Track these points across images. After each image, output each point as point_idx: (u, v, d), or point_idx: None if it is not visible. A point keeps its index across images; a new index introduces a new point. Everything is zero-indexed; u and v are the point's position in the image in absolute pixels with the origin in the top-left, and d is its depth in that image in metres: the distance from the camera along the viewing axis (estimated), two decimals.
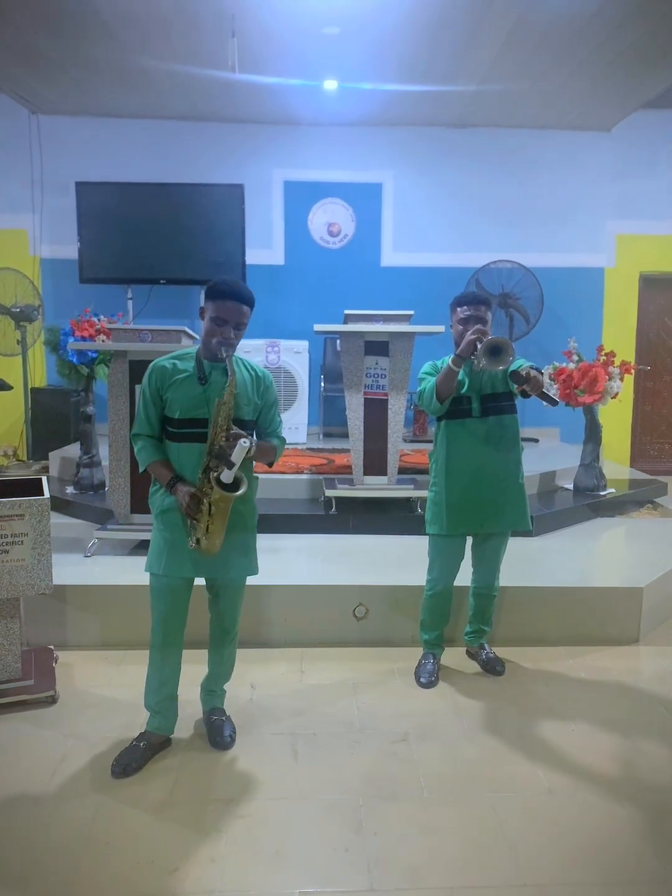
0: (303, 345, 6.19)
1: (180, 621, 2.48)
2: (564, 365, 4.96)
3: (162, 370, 2.39)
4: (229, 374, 2.30)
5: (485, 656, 3.13)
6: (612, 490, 5.06)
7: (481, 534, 3.03)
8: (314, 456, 5.48)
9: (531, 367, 2.70)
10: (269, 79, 5.57)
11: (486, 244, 6.85)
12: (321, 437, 6.47)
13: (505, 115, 6.49)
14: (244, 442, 2.20)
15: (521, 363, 2.77)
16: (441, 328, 4.14)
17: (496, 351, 2.62)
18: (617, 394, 4.86)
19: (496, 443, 2.88)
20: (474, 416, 2.87)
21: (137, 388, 3.53)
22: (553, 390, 4.85)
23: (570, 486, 5.11)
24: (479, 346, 2.66)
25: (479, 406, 2.88)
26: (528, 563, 3.85)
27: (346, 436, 4.50)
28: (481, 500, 2.90)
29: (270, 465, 2.57)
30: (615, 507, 4.99)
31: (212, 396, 2.34)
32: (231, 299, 2.32)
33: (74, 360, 4.91)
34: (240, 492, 2.26)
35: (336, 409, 6.41)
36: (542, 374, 2.70)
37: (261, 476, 4.76)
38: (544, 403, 2.67)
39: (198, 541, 2.31)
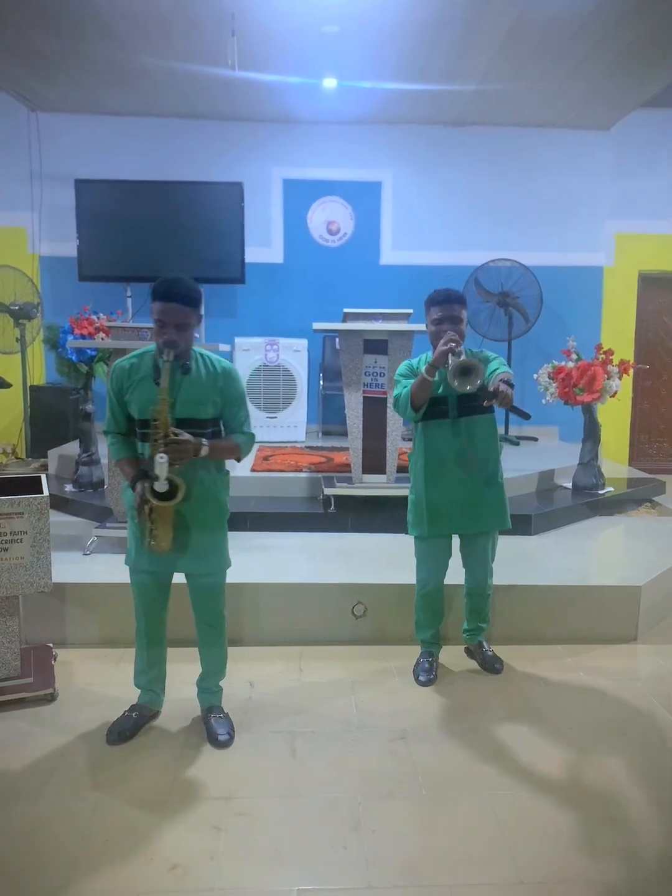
0: (302, 343, 6.20)
1: (158, 609, 2.59)
2: (563, 364, 4.96)
3: (121, 371, 2.44)
4: (163, 381, 2.30)
5: (483, 654, 3.12)
6: (611, 489, 5.07)
7: (465, 534, 3.02)
8: (313, 454, 5.48)
9: (503, 381, 2.64)
10: (268, 77, 5.56)
11: (485, 243, 6.85)
12: (320, 435, 6.48)
13: (504, 114, 6.48)
14: (160, 457, 2.25)
15: (497, 370, 2.76)
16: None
17: (465, 372, 2.59)
18: (616, 392, 4.87)
19: (473, 444, 2.88)
20: (451, 418, 2.86)
21: None
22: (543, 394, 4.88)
23: (569, 485, 5.11)
24: (451, 357, 2.65)
25: (456, 407, 2.85)
26: (527, 561, 3.86)
27: (344, 434, 4.50)
28: (460, 501, 2.90)
29: (238, 460, 2.57)
30: (614, 506, 5.00)
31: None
32: (167, 300, 2.30)
33: (73, 358, 4.90)
34: (174, 501, 2.31)
35: (335, 407, 6.41)
36: (512, 387, 2.64)
37: (259, 475, 4.80)
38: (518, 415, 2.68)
39: (149, 543, 2.39)
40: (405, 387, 2.87)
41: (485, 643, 3.16)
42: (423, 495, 2.93)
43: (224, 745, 2.52)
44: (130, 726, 2.57)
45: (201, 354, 2.47)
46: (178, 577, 2.58)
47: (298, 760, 2.45)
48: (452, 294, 2.84)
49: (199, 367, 2.42)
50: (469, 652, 3.21)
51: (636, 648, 3.37)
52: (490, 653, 3.13)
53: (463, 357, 2.64)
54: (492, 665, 3.08)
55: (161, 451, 2.26)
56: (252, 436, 2.54)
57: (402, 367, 2.97)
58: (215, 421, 2.48)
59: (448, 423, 2.86)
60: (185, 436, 2.31)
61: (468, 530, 2.97)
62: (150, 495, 2.30)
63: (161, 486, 2.28)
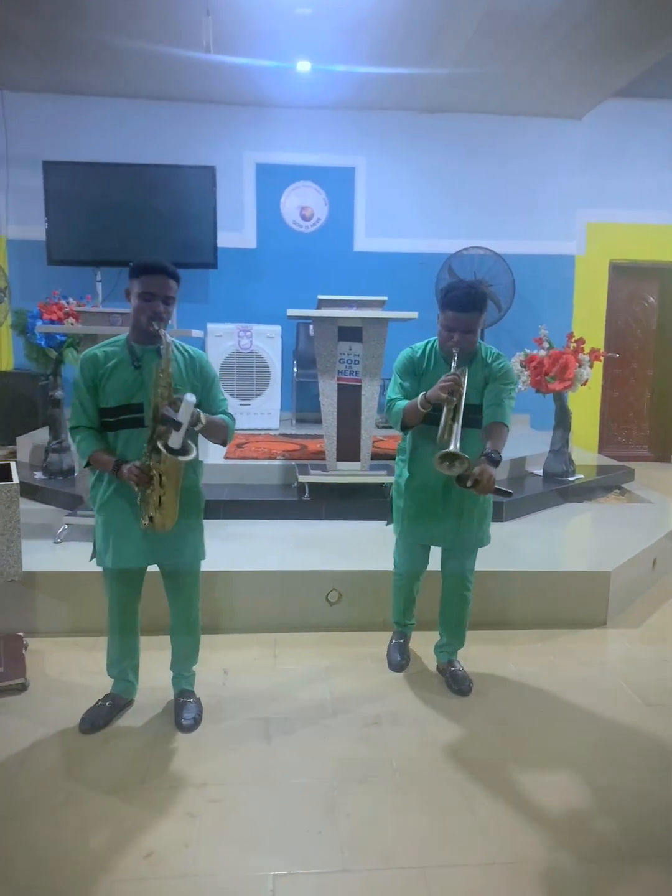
0: (275, 330, 6.16)
1: (133, 604, 2.59)
2: (535, 352, 5.00)
3: (94, 359, 2.37)
4: (163, 344, 2.28)
5: (453, 673, 2.89)
6: (581, 476, 5.13)
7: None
8: (287, 441, 5.47)
9: (489, 456, 2.48)
10: (241, 59, 5.49)
11: (458, 230, 6.86)
12: (294, 422, 6.46)
13: (477, 102, 6.48)
14: (190, 397, 2.17)
15: (500, 398, 2.62)
16: (415, 314, 4.15)
17: (450, 460, 2.41)
18: (586, 381, 4.93)
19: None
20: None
21: None
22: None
23: (540, 472, 5.17)
24: (451, 396, 2.49)
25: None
26: (498, 547, 3.88)
27: (319, 421, 4.49)
28: (441, 516, 2.74)
29: (224, 443, 2.53)
30: (583, 493, 5.07)
31: (147, 379, 2.33)
32: (157, 273, 2.31)
33: (43, 343, 4.82)
34: (190, 456, 2.23)
35: (309, 394, 6.39)
36: (497, 463, 2.48)
37: (233, 462, 4.78)
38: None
39: (151, 518, 2.30)
40: (400, 396, 2.68)
41: (457, 661, 2.95)
42: (404, 502, 2.80)
43: (188, 729, 2.52)
44: (103, 715, 2.56)
45: (174, 342, 2.45)
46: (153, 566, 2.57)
47: (273, 747, 2.45)
48: (472, 299, 2.54)
49: (175, 354, 2.40)
50: (440, 670, 2.98)
51: (606, 633, 3.43)
52: (460, 672, 2.90)
53: (456, 428, 2.47)
54: (461, 685, 2.83)
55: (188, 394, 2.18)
56: (233, 418, 2.54)
57: (401, 361, 2.75)
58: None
59: (437, 432, 2.59)
60: (186, 395, 2.22)
61: (445, 544, 2.83)
62: (163, 448, 2.18)
63: (176, 441, 2.17)
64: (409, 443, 2.79)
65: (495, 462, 2.47)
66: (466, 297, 2.53)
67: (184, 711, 2.58)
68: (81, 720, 2.54)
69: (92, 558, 2.55)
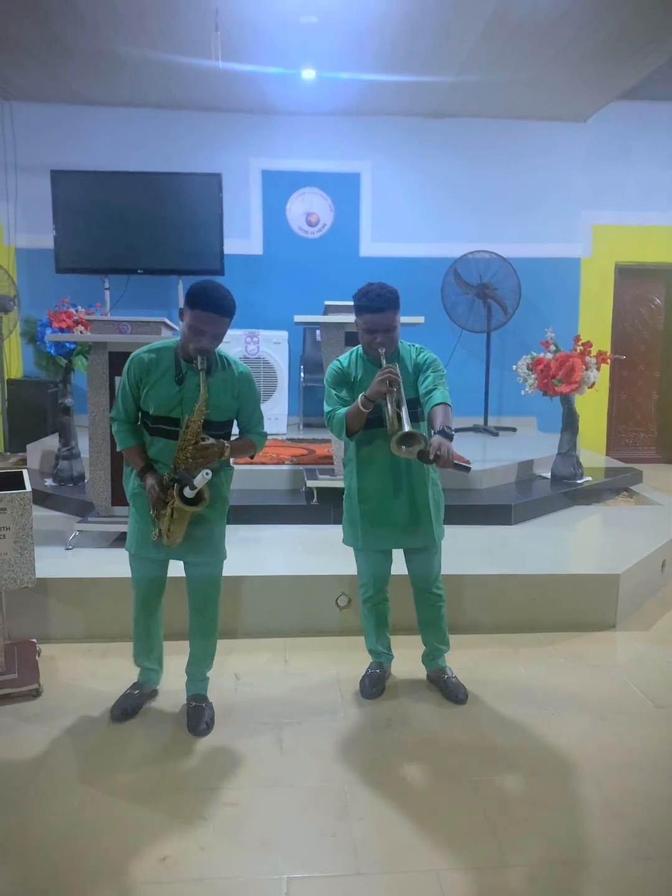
0: (282, 335, 6.19)
1: (156, 594, 2.66)
2: (542, 355, 5.01)
3: (140, 363, 2.44)
4: (202, 391, 2.34)
5: (445, 681, 2.84)
6: (589, 478, 5.14)
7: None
8: (294, 446, 5.49)
9: (441, 432, 2.43)
10: (247, 67, 5.53)
11: (464, 234, 6.88)
12: (301, 427, 6.49)
13: (482, 106, 6.51)
14: (207, 473, 2.31)
15: (429, 384, 2.59)
16: (421, 319, 4.17)
17: (408, 441, 2.41)
18: (593, 383, 4.93)
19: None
20: (385, 426, 2.56)
21: (117, 379, 3.53)
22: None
23: (548, 475, 5.18)
24: (391, 387, 2.48)
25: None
26: (507, 551, 3.91)
27: (325, 426, 4.50)
28: (392, 516, 2.69)
29: (252, 458, 2.64)
30: (592, 496, 5.07)
31: (186, 398, 2.41)
32: (212, 311, 2.32)
33: (52, 351, 4.86)
34: (199, 507, 2.38)
35: (316, 399, 6.42)
36: (451, 436, 2.44)
37: (241, 467, 4.80)
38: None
39: (159, 533, 2.43)
40: (337, 406, 2.65)
41: (448, 670, 2.89)
42: (356, 506, 2.74)
43: (201, 734, 2.54)
44: (133, 703, 2.67)
45: (221, 356, 2.49)
46: (173, 571, 2.63)
47: (285, 751, 2.47)
48: (384, 298, 2.55)
49: (219, 371, 2.46)
50: (431, 679, 2.92)
51: (615, 635, 3.43)
52: (453, 680, 2.84)
53: (403, 412, 2.48)
54: (455, 695, 2.78)
55: (201, 463, 2.35)
56: (265, 435, 2.63)
57: (331, 374, 2.72)
58: (231, 422, 2.55)
59: (382, 432, 2.58)
60: (211, 440, 2.37)
61: (402, 545, 2.77)
62: (177, 497, 2.34)
63: (190, 494, 2.34)
64: (354, 451, 2.74)
65: (449, 436, 2.45)
66: (379, 297, 2.56)
67: (196, 716, 2.60)
68: (112, 709, 2.64)
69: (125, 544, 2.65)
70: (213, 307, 2.32)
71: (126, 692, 2.71)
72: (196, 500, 2.37)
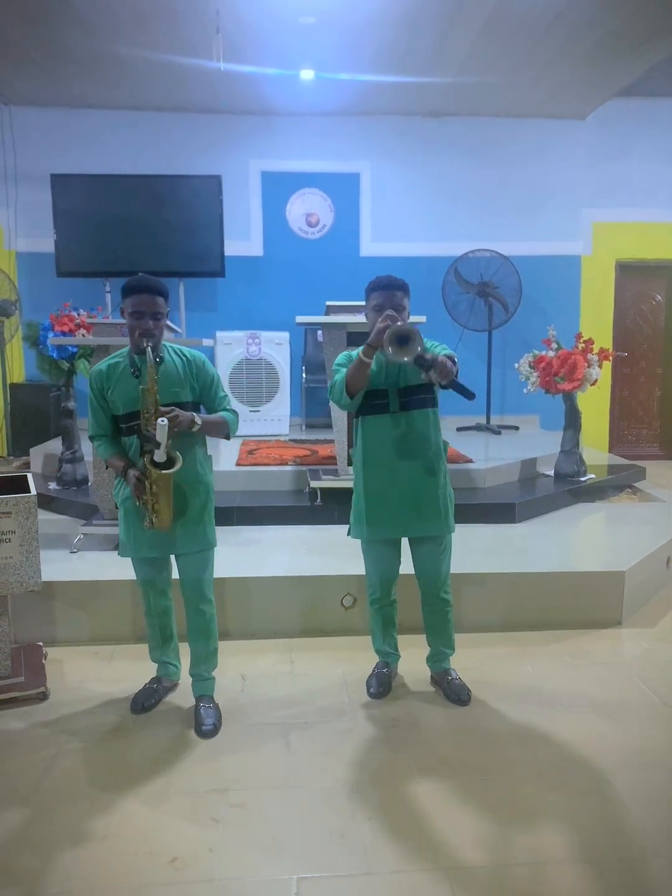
0: (283, 336, 6.20)
1: (162, 590, 2.72)
2: (544, 353, 5.01)
3: (99, 374, 2.57)
4: (148, 361, 2.41)
5: (449, 683, 2.82)
6: (592, 476, 5.14)
7: (411, 537, 2.78)
8: (297, 447, 5.49)
9: (447, 355, 2.46)
10: (246, 68, 5.53)
11: (464, 233, 6.88)
12: (304, 428, 6.49)
13: (482, 104, 6.51)
14: (162, 420, 2.34)
15: (434, 348, 2.62)
16: (422, 319, 4.16)
17: (402, 340, 2.38)
18: (596, 381, 4.93)
19: (415, 440, 2.65)
20: (392, 412, 2.63)
21: None
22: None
23: (551, 473, 5.17)
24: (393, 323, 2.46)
25: (397, 400, 2.64)
26: (511, 549, 3.91)
27: (328, 426, 4.52)
28: (399, 503, 2.67)
29: (227, 438, 2.69)
30: (595, 493, 5.07)
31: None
32: (142, 292, 2.45)
33: (55, 355, 4.88)
34: (174, 468, 2.42)
35: (318, 400, 6.44)
36: (456, 363, 2.45)
37: (244, 469, 4.81)
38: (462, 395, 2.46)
39: (151, 521, 2.47)
40: (340, 373, 2.67)
41: (452, 671, 2.86)
42: (362, 496, 2.73)
43: (208, 734, 2.55)
44: (151, 696, 2.73)
45: (171, 347, 2.62)
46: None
47: (293, 751, 2.47)
48: (395, 280, 2.65)
49: (172, 358, 2.57)
50: (434, 681, 2.90)
51: (620, 632, 3.43)
52: (457, 681, 2.82)
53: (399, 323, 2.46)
54: (458, 696, 2.76)
55: (161, 416, 2.35)
56: (236, 413, 2.68)
57: (340, 357, 2.75)
58: (195, 405, 2.61)
59: (388, 418, 2.64)
60: (177, 410, 2.42)
61: (410, 534, 2.74)
62: (149, 465, 2.39)
63: (160, 456, 2.37)
64: (360, 451, 2.74)
65: (454, 362, 2.47)
66: (389, 278, 2.66)
67: (205, 717, 2.61)
68: (132, 702, 2.70)
69: (118, 551, 2.71)
70: (140, 288, 2.45)
71: (146, 686, 2.77)
72: (169, 464, 2.41)
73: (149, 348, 2.41)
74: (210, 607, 2.68)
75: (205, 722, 2.59)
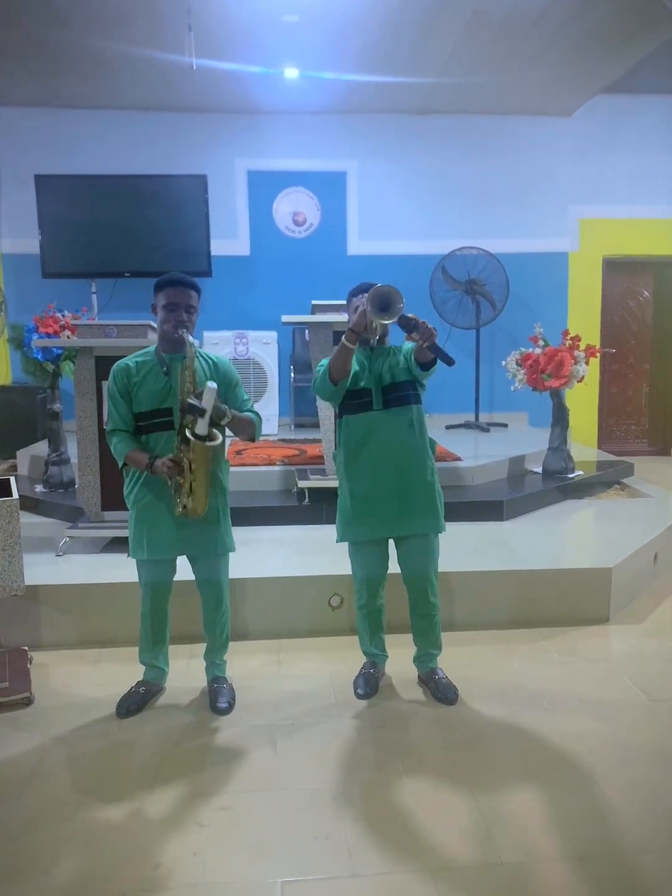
0: (271, 335, 6.19)
1: (165, 594, 2.74)
2: (531, 350, 5.01)
3: (126, 369, 2.58)
4: (187, 346, 2.45)
5: (436, 682, 2.81)
6: (581, 472, 5.14)
7: (397, 537, 2.76)
8: (286, 447, 5.47)
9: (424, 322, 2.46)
10: (229, 66, 5.50)
11: (451, 231, 6.88)
12: (292, 427, 6.47)
13: (467, 102, 6.50)
14: (211, 384, 2.36)
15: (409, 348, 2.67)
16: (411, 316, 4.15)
17: (384, 302, 2.34)
18: (583, 377, 4.93)
19: (400, 437, 2.65)
20: (375, 409, 2.63)
21: (105, 383, 3.53)
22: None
23: (539, 470, 5.18)
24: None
25: (380, 398, 2.64)
26: (499, 546, 3.90)
27: (316, 426, 4.51)
28: (386, 501, 2.66)
29: (252, 439, 2.69)
30: (583, 489, 5.07)
31: (175, 385, 2.53)
32: (178, 285, 2.53)
33: (40, 357, 4.85)
34: (216, 441, 2.42)
35: (306, 399, 6.42)
36: (435, 333, 2.44)
37: (233, 469, 4.78)
38: (443, 361, 2.50)
39: (184, 506, 2.46)
40: (323, 363, 2.67)
41: (439, 670, 2.85)
42: (347, 495, 2.72)
43: (223, 712, 2.67)
44: (137, 701, 2.72)
45: (196, 351, 2.59)
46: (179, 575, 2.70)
47: (279, 753, 2.46)
48: (375, 284, 2.53)
49: (198, 361, 2.58)
50: (422, 680, 2.89)
51: (608, 629, 3.43)
52: (444, 680, 2.81)
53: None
54: (445, 694, 2.75)
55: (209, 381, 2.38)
56: (260, 415, 2.70)
57: (324, 361, 2.72)
58: None
59: (371, 416, 2.64)
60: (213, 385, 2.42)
61: (397, 532, 2.72)
62: (192, 436, 2.37)
63: (203, 428, 2.36)
64: (343, 452, 2.74)
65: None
66: (369, 283, 2.59)
67: (219, 696, 2.72)
68: (117, 706, 2.68)
69: (129, 554, 2.70)
70: (174, 281, 2.53)
71: (131, 689, 2.75)
72: (210, 438, 2.40)
73: (188, 336, 2.47)
74: (227, 606, 2.79)
75: (221, 701, 2.71)
